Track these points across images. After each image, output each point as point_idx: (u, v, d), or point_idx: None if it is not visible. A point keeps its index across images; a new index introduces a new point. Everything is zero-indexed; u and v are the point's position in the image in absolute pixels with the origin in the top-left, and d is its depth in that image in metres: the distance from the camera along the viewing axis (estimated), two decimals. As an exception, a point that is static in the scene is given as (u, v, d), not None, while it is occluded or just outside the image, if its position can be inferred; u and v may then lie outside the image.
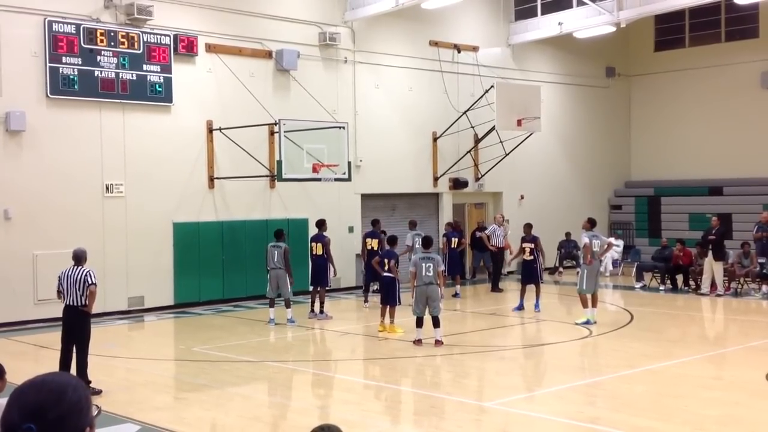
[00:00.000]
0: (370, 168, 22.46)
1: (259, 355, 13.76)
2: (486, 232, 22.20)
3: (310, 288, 17.54)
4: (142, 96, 18.37)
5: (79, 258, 11.20)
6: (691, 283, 21.30)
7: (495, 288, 21.91)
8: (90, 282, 10.94)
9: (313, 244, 17.53)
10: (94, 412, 2.29)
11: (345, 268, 21.95)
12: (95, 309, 11.72)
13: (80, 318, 11.02)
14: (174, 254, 19.05)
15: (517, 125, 22.43)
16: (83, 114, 17.70)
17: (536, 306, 17.90)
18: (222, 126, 19.40)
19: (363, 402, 10.85)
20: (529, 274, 18.10)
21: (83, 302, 10.96)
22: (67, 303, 11.07)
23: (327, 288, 17.74)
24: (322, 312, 17.24)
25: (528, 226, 18.66)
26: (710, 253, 20.19)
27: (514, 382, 11.84)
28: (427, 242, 14.83)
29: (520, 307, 18.00)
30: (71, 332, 11.11)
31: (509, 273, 24.74)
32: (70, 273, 11.06)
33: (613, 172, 29.64)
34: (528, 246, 18.13)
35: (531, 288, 18.03)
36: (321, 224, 17.75)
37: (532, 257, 18.05)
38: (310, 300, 17.63)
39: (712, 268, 20.24)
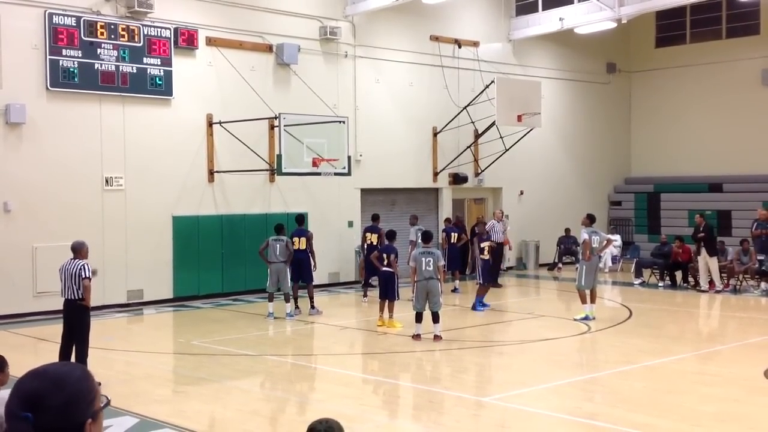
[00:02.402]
0: (369, 163, 22.45)
1: (258, 349, 13.77)
2: (485, 227, 22.14)
3: (291, 284, 16.92)
4: (142, 89, 18.36)
5: (76, 250, 11.16)
6: (690, 279, 21.32)
7: (494, 283, 21.86)
8: (84, 276, 10.88)
9: (296, 238, 17.17)
10: (103, 403, 2.23)
11: (344, 263, 22.01)
12: (94, 302, 11.71)
13: (78, 311, 11.00)
14: (173, 248, 19.06)
15: (517, 121, 22.42)
16: (83, 107, 17.69)
17: (481, 305, 17.60)
18: (222, 120, 19.40)
19: (361, 396, 10.86)
20: (490, 273, 17.81)
21: (80, 296, 10.93)
22: (66, 297, 11.05)
23: (311, 283, 17.38)
24: (313, 307, 17.09)
25: (484, 225, 18.68)
26: (703, 250, 20.21)
27: (513, 378, 11.85)
28: (427, 237, 14.79)
29: (486, 305, 17.72)
30: (71, 326, 11.11)
31: (508, 269, 24.76)
32: (67, 266, 11.05)
33: (612, 168, 29.65)
34: (487, 245, 17.87)
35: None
36: (302, 219, 17.72)
37: (489, 257, 17.76)
38: (292, 296, 16.98)
39: (707, 264, 20.27)
